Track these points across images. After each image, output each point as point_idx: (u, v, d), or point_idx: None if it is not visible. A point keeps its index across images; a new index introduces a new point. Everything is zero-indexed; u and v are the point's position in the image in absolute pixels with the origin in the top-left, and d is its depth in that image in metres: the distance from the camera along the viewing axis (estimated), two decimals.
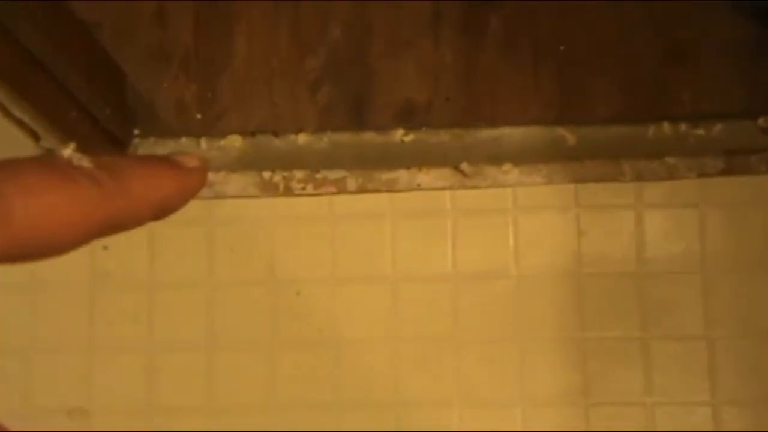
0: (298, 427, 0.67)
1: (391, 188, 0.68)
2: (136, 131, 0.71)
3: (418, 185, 0.68)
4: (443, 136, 0.70)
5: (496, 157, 0.69)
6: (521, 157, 0.68)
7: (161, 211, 0.22)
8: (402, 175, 0.69)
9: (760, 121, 0.69)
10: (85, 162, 0.20)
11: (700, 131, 0.68)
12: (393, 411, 0.67)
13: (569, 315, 0.67)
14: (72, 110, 0.62)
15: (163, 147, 0.72)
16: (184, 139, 0.72)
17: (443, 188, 0.68)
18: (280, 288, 0.69)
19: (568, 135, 0.69)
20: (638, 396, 0.67)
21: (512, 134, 0.70)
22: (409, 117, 0.70)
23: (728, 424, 0.66)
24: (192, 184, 0.22)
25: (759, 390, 0.66)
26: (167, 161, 0.22)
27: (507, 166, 0.68)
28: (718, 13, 0.69)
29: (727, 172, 0.67)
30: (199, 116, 0.71)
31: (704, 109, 0.69)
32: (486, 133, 0.70)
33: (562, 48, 0.71)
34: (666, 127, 0.69)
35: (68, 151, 0.20)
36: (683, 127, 0.68)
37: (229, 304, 0.69)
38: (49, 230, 0.18)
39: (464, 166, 0.68)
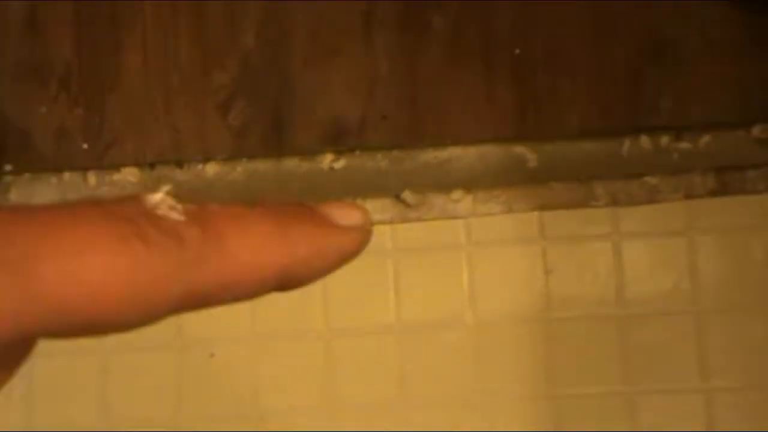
0: None
1: None
2: (8, 167, 0.60)
3: None
4: (380, 161, 0.61)
5: (445, 183, 0.60)
6: (474, 182, 0.60)
7: (286, 280, 0.17)
8: None
9: (755, 130, 0.59)
10: (174, 212, 0.16)
11: (685, 144, 0.60)
12: None
13: (538, 369, 0.59)
14: None
15: (42, 184, 0.61)
16: (67, 174, 0.61)
17: (382, 222, 0.59)
18: (188, 349, 0.59)
19: (528, 154, 0.61)
20: None
21: (462, 155, 0.61)
22: (338, 139, 0.60)
23: None
24: (344, 248, 0.17)
25: None
26: (309, 214, 0.17)
27: (457, 194, 0.59)
28: (703, 5, 0.60)
29: (718, 192, 0.58)
30: (85, 146, 0.61)
31: (689, 119, 0.60)
32: (431, 155, 0.61)
33: (517, 51, 0.60)
34: (644, 140, 0.60)
35: (158, 196, 0.16)
36: (665, 140, 0.60)
37: (125, 372, 0.59)
38: (89, 304, 0.15)
39: (406, 195, 0.59)
